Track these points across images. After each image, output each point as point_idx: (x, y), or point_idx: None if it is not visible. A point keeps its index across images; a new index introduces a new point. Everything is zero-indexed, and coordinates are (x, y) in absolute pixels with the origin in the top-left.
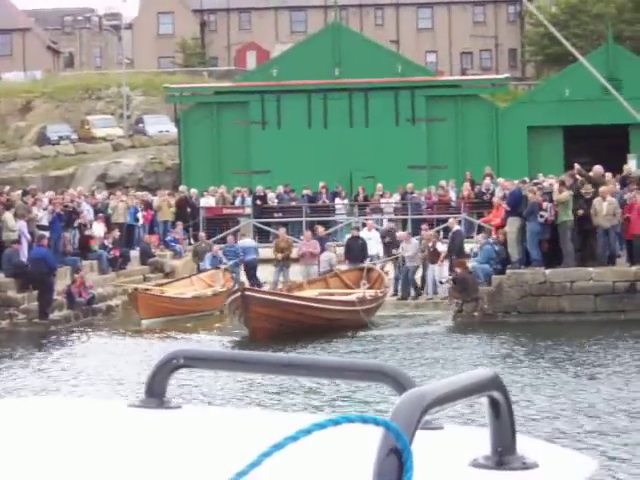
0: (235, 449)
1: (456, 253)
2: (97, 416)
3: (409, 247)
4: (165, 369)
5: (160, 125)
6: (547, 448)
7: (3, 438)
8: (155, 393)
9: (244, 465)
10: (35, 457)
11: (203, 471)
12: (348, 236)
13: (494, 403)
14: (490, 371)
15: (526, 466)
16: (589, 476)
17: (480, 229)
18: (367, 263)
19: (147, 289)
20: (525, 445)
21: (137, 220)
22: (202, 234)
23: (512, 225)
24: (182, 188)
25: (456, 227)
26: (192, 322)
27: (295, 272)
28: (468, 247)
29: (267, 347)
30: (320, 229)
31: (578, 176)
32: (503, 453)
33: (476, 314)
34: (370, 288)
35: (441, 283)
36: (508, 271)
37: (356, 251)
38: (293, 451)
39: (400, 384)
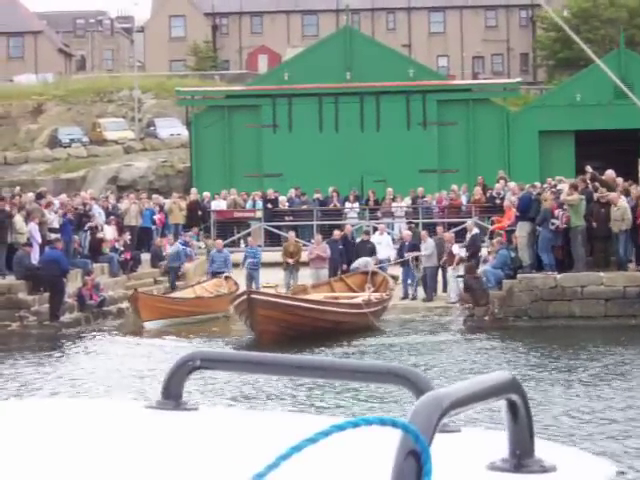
0: (253, 451)
1: (473, 256)
2: (114, 417)
3: (426, 246)
4: (182, 371)
5: (171, 128)
6: (565, 451)
7: (21, 438)
8: (172, 395)
9: (263, 467)
10: (53, 457)
11: (221, 473)
12: (358, 240)
13: (512, 406)
14: (508, 374)
15: (544, 469)
16: (608, 479)
17: (492, 234)
18: (372, 266)
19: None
20: (543, 448)
21: (154, 223)
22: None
23: (522, 230)
24: (193, 191)
25: (475, 230)
26: (196, 325)
27: (305, 275)
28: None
29: (273, 350)
30: (336, 232)
31: (590, 180)
32: (521, 456)
33: (487, 318)
34: (375, 292)
35: (458, 277)
36: (519, 275)
37: (365, 254)
38: (312, 453)
39: (418, 387)
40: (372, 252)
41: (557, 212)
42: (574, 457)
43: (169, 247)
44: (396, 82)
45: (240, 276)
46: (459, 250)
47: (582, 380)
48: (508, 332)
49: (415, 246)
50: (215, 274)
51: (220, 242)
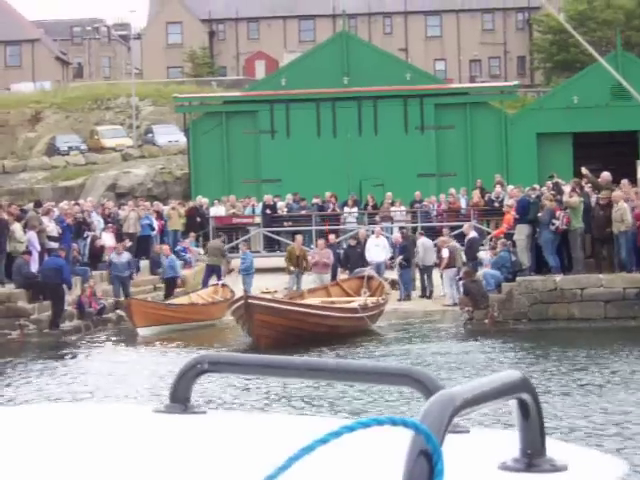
0: (263, 453)
1: (471, 260)
2: (123, 421)
3: (420, 246)
4: (190, 374)
5: (169, 135)
6: (576, 450)
7: (31, 443)
8: (180, 398)
9: (274, 469)
10: (64, 461)
11: (232, 476)
12: (345, 245)
13: (523, 405)
14: (519, 373)
15: (556, 468)
16: (619, 478)
17: (492, 239)
18: (368, 271)
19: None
20: (554, 447)
21: (153, 230)
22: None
23: (521, 233)
24: (198, 198)
25: (472, 234)
26: (191, 332)
27: (308, 281)
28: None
29: (271, 355)
30: (331, 237)
31: (583, 182)
32: (532, 455)
33: (487, 322)
34: (371, 296)
35: (458, 279)
36: (518, 278)
37: (355, 259)
38: (322, 454)
39: (428, 388)
40: (362, 257)
41: (558, 213)
42: (585, 456)
43: (115, 256)
44: (393, 86)
45: (237, 282)
46: (447, 253)
47: (582, 382)
48: (508, 335)
49: (405, 248)
50: (167, 280)
51: (167, 247)
